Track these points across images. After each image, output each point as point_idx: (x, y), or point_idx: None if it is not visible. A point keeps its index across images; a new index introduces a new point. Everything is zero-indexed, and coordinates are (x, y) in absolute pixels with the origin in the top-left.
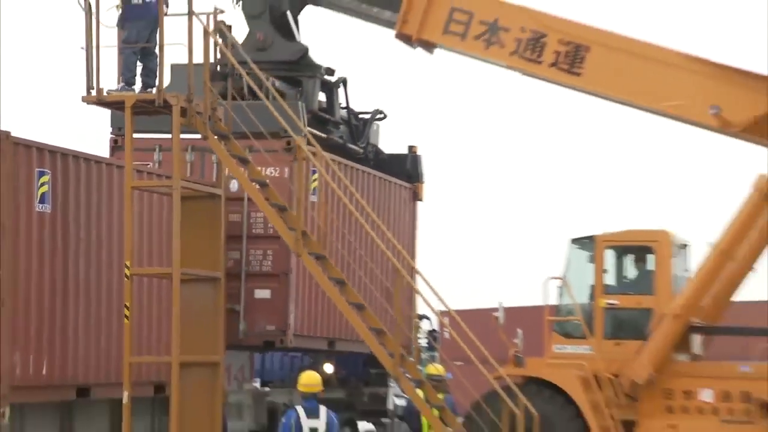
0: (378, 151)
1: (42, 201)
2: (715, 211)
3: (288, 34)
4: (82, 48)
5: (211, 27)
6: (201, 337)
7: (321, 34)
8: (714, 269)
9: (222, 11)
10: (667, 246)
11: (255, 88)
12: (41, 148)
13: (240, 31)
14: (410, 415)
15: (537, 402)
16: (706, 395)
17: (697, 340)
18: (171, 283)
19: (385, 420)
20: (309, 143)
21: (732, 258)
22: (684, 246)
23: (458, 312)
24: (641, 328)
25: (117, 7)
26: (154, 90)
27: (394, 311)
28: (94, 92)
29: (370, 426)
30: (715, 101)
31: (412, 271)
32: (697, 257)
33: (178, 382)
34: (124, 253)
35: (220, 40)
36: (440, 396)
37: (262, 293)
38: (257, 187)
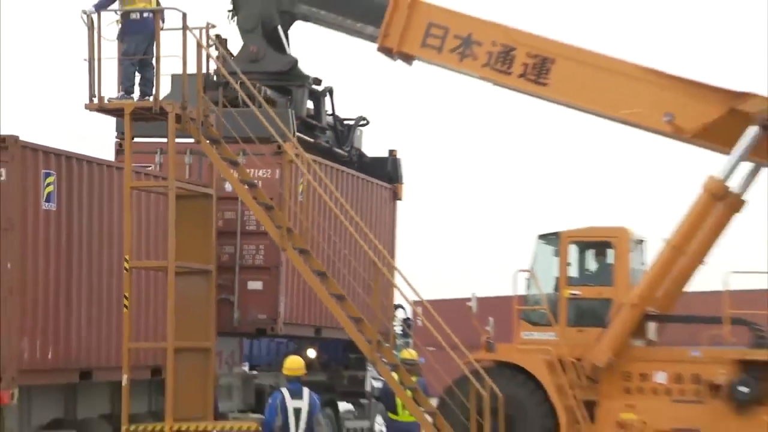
0: (361, 155)
1: (48, 200)
2: (669, 209)
3: (279, 47)
4: (85, 59)
5: (204, 40)
6: (194, 325)
7: (309, 47)
8: (667, 263)
9: (214, 26)
10: (625, 241)
11: (245, 97)
12: (47, 151)
13: (235, 44)
14: (386, 396)
15: (507, 384)
16: (660, 377)
17: (652, 327)
18: (167, 275)
19: (363, 401)
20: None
21: (684, 253)
22: (640, 242)
23: (435, 301)
24: (602, 316)
25: (117, 22)
26: (151, 98)
27: (372, 301)
28: (96, 100)
29: (349, 406)
30: (669, 109)
31: (389, 265)
32: (652, 252)
33: (173, 366)
34: (124, 248)
35: (213, 53)
36: (413, 379)
37: (255, 285)
38: (246, 187)
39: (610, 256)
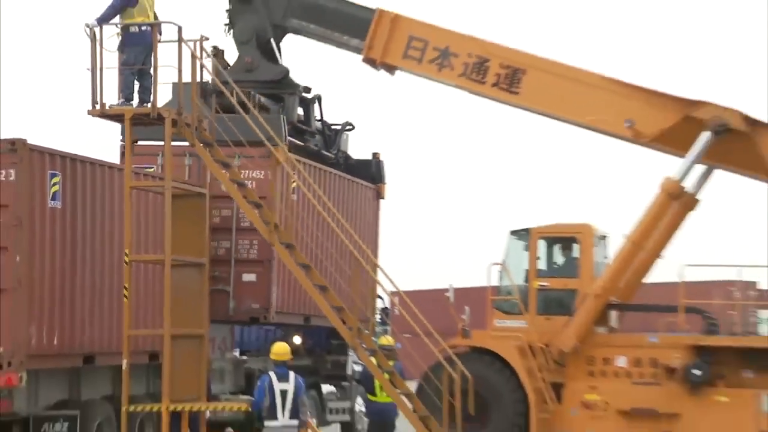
0: (347, 157)
1: (54, 198)
2: (629, 207)
3: (272, 57)
4: (88, 69)
5: (198, 52)
6: (189, 314)
7: (300, 58)
8: (628, 257)
9: (207, 38)
10: (590, 237)
11: (236, 105)
12: (53, 153)
13: (231, 54)
14: (365, 379)
15: (481, 368)
16: (621, 361)
17: (613, 315)
18: (163, 267)
19: (344, 383)
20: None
21: (643, 248)
22: (603, 237)
23: (415, 292)
24: (568, 305)
25: (117, 34)
26: (149, 105)
27: (352, 292)
28: (98, 106)
29: (331, 388)
30: (630, 116)
31: (369, 259)
32: (614, 247)
33: (169, 351)
34: (124, 243)
35: (208, 63)
36: (391, 363)
37: (249, 277)
38: (237, 186)
39: (576, 250)
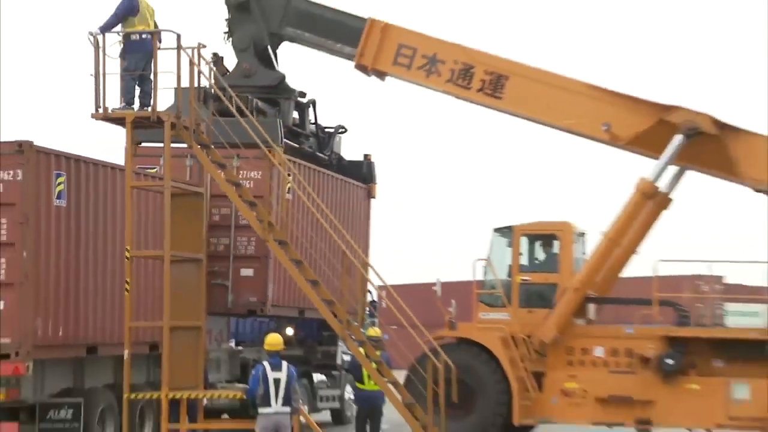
0: (340, 158)
1: (59, 197)
2: (606, 206)
3: (269, 64)
4: (92, 75)
5: (196, 58)
6: (187, 306)
7: (295, 64)
8: (605, 253)
9: (204, 45)
10: (569, 234)
11: (232, 109)
12: (58, 155)
13: (230, 61)
14: (354, 368)
15: (466, 358)
16: (599, 351)
17: (591, 308)
18: (163, 263)
19: (334, 372)
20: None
21: (619, 244)
22: (582, 234)
23: (404, 286)
24: (548, 299)
25: (119, 42)
26: (149, 109)
27: (342, 286)
28: (101, 110)
29: (322, 377)
30: (607, 120)
31: (358, 255)
32: (592, 243)
33: (168, 342)
34: (125, 239)
35: (206, 69)
36: (378, 353)
37: (247, 271)
38: (233, 186)
39: (556, 246)
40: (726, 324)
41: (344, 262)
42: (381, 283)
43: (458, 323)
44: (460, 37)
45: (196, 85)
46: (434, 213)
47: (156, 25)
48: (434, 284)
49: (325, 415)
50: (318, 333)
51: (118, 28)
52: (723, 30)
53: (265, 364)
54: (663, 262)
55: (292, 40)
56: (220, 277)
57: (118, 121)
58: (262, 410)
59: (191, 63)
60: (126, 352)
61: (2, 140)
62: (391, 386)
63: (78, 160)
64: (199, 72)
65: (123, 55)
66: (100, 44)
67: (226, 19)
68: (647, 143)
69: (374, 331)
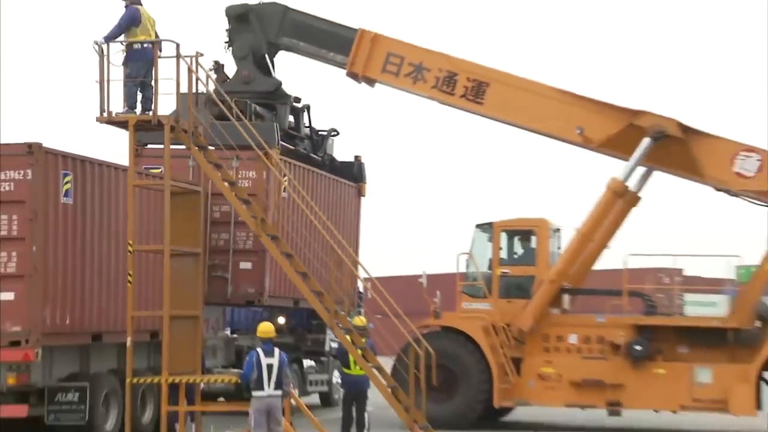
0: (332, 159)
1: (66, 195)
2: (579, 204)
3: (266, 71)
4: (96, 81)
5: (194, 66)
6: (185, 297)
7: (291, 72)
8: (578, 247)
9: (202, 54)
10: (546, 230)
11: (228, 113)
12: (65, 155)
13: (230, 68)
14: (341, 354)
15: (450, 345)
16: (573, 339)
17: (566, 298)
18: (163, 256)
19: (323, 358)
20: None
21: (591, 239)
22: (557, 230)
23: (392, 278)
24: (526, 290)
25: (122, 51)
26: (150, 113)
27: (330, 279)
28: (105, 114)
29: (311, 363)
30: (580, 124)
31: (346, 250)
32: (566, 238)
33: (168, 330)
34: (128, 234)
35: (203, 76)
36: (363, 340)
37: (245, 265)
38: (228, 185)
39: (533, 241)
40: (685, 313)
41: (332, 256)
42: (366, 276)
43: (443, 313)
44: (445, 47)
45: (196, 91)
46: (420, 210)
47: (157, 35)
48: (420, 276)
49: (314, 398)
50: (308, 322)
51: (122, 38)
52: (694, 37)
53: (259, 350)
54: (632, 256)
55: (288, 49)
56: (220, 270)
57: (122, 124)
58: (255, 393)
59: (189, 70)
60: (129, 340)
61: (13, 142)
62: (375, 371)
63: (84, 160)
64: (197, 79)
65: (126, 62)
66: (105, 53)
67: (227, 30)
68: (618, 146)
69: (360, 321)
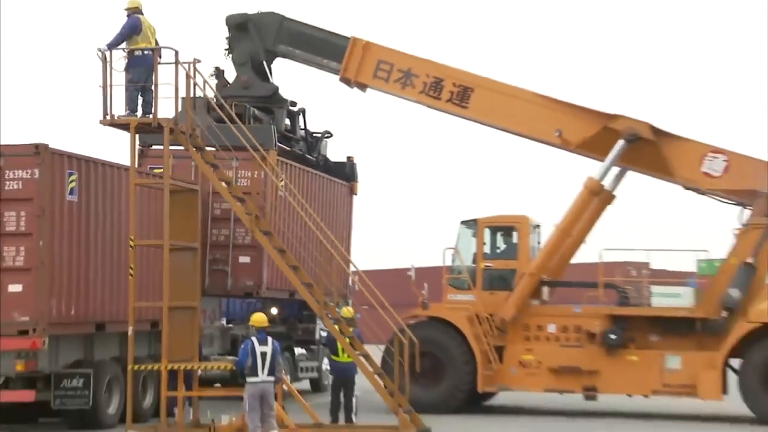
0: (326, 160)
1: (71, 193)
2: (558, 202)
3: (264, 77)
4: (100, 86)
5: (192, 72)
6: (183, 289)
7: (287, 77)
8: (557, 242)
9: (199, 60)
10: (526, 226)
11: (224, 116)
12: (70, 156)
13: (230, 74)
14: (330, 343)
15: (437, 334)
16: (551, 328)
17: (545, 290)
18: (162, 251)
19: (313, 347)
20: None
21: (569, 235)
22: (537, 226)
23: (382, 271)
24: (508, 282)
25: (124, 57)
26: (151, 116)
27: (320, 272)
28: (108, 117)
29: (302, 351)
30: (559, 126)
31: (334, 245)
32: (546, 234)
33: (167, 320)
34: (130, 230)
35: (200, 81)
36: (351, 329)
37: (244, 259)
38: (225, 184)
39: (515, 237)
40: (652, 304)
41: (322, 251)
42: (354, 269)
43: (430, 304)
44: (433, 54)
45: (194, 95)
46: (409, 207)
47: (157, 43)
48: (409, 270)
49: (305, 384)
50: (299, 312)
51: (124, 45)
52: (668, 44)
53: (253, 339)
54: (607, 251)
55: (284, 56)
56: (220, 264)
57: (123, 126)
58: (250, 379)
59: (187, 76)
60: (130, 329)
61: (21, 143)
62: (362, 358)
63: (88, 160)
64: (194, 84)
65: (127, 68)
66: (108, 59)
67: (227, 38)
68: (594, 147)
69: (348, 311)
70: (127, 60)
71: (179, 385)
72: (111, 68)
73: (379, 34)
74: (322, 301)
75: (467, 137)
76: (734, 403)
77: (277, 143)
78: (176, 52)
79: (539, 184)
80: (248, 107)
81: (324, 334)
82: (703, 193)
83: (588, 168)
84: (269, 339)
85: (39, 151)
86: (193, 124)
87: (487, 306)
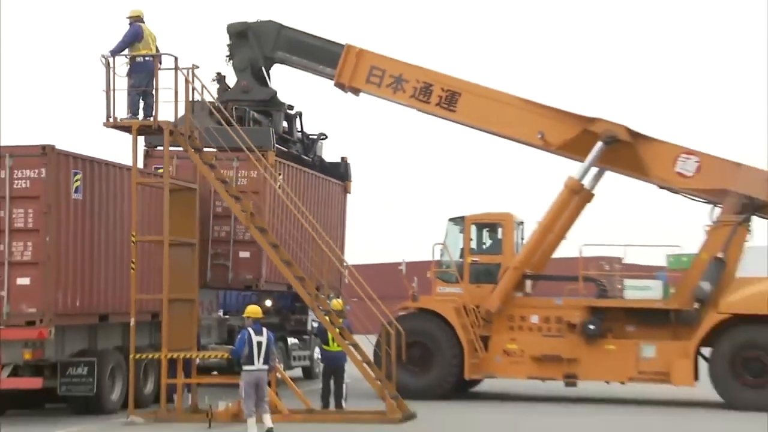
0: (322, 160)
1: (76, 191)
2: (540, 200)
3: (263, 82)
4: (103, 90)
5: (190, 77)
6: (183, 282)
7: (285, 82)
8: (539, 238)
9: (197, 66)
10: (511, 223)
11: (221, 119)
12: (75, 156)
13: (231, 79)
14: (321, 333)
15: (426, 324)
16: (534, 319)
17: (528, 283)
18: (163, 246)
19: (305, 337)
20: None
21: (551, 231)
22: (521, 223)
23: (374, 265)
24: (494, 276)
25: (126, 63)
26: (152, 118)
27: (312, 267)
28: (111, 120)
29: (295, 340)
30: (541, 129)
31: (326, 241)
32: (529, 230)
33: (167, 311)
34: (132, 226)
35: (198, 86)
36: (341, 321)
37: (244, 254)
38: (222, 183)
39: (500, 233)
40: (625, 296)
41: (314, 246)
42: (345, 264)
43: (420, 296)
44: (423, 60)
45: (192, 99)
46: (400, 205)
47: (157, 49)
48: (400, 264)
49: (297, 372)
50: (292, 304)
51: (126, 51)
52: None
53: (249, 329)
54: (586, 246)
55: (282, 62)
56: (222, 258)
57: (126, 128)
58: (246, 367)
59: (186, 81)
60: (132, 320)
61: (29, 144)
62: (351, 348)
63: (92, 160)
64: (193, 88)
65: (129, 74)
66: (111, 65)
67: (228, 45)
68: (574, 148)
69: (338, 303)
70: (129, 66)
71: (178, 372)
72: (114, 73)
73: (372, 42)
74: (314, 294)
75: (455, 139)
76: (705, 389)
77: (276, 144)
78: (176, 59)
79: (523, 184)
80: (248, 110)
81: (315, 324)
82: (676, 192)
83: (568, 168)
84: (264, 329)
85: (46, 151)
86: (191, 126)
87: (473, 298)
